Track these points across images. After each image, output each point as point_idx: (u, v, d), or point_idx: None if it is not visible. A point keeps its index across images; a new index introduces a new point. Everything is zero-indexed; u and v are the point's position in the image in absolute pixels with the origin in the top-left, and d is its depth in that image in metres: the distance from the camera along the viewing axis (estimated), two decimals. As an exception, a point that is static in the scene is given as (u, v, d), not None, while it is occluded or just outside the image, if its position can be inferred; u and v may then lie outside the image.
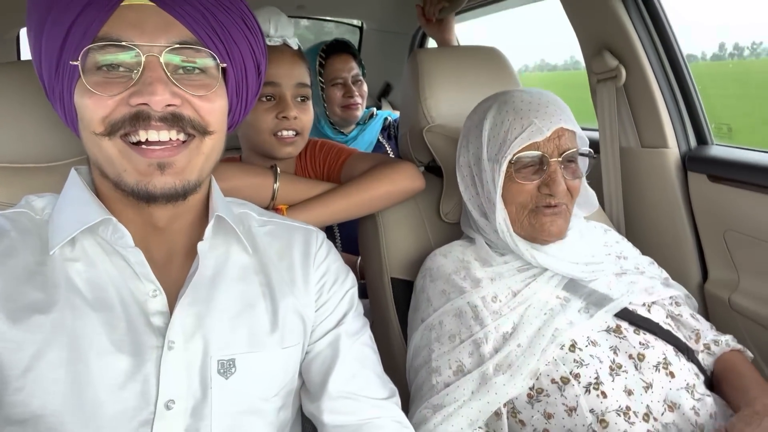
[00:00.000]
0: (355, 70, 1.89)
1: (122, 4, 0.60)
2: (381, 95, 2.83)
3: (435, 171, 1.30)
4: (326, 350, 0.76)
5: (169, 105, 0.61)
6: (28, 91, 0.88)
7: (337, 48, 1.86)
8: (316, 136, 1.41)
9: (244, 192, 0.97)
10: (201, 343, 0.67)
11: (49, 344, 0.60)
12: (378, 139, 1.97)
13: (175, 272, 0.70)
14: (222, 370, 0.67)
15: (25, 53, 2.15)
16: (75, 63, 0.60)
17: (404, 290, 1.16)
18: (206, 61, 0.64)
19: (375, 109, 2.05)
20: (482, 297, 0.95)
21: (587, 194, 1.10)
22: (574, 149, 0.97)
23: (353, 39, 2.63)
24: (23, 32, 2.10)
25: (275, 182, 1.06)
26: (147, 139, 0.61)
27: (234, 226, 0.73)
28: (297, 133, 1.14)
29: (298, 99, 1.14)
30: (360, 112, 1.89)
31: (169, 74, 0.61)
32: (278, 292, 0.74)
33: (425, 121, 1.24)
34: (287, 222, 0.83)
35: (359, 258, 1.42)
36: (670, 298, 1.03)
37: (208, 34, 0.64)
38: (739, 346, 1.02)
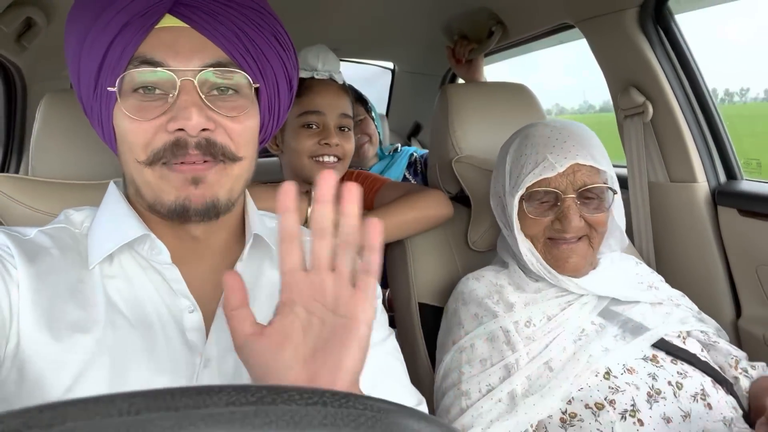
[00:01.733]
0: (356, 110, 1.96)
1: (157, 26, 0.60)
2: (411, 134, 2.90)
3: (463, 201, 1.33)
4: None
5: (203, 129, 0.60)
6: (79, 116, 0.95)
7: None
8: None
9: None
10: (233, 360, 0.65)
11: (91, 364, 0.59)
12: (404, 175, 2.01)
13: (211, 289, 0.69)
14: None
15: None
16: (112, 89, 0.60)
17: (432, 316, 1.18)
18: (240, 81, 0.64)
19: (399, 145, 2.10)
20: (515, 322, 0.96)
21: (615, 231, 1.06)
22: (592, 185, 0.95)
23: (386, 80, 2.73)
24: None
25: (309, 206, 1.11)
26: (182, 162, 0.62)
27: (272, 245, 0.72)
28: (338, 159, 1.20)
29: (341, 128, 1.21)
30: (371, 149, 1.95)
31: (203, 96, 0.61)
32: None
33: (454, 152, 1.28)
34: None
35: (387, 290, 1.44)
36: (702, 332, 1.02)
37: (241, 55, 0.64)
38: None
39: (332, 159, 1.19)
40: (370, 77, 2.71)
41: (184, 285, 0.66)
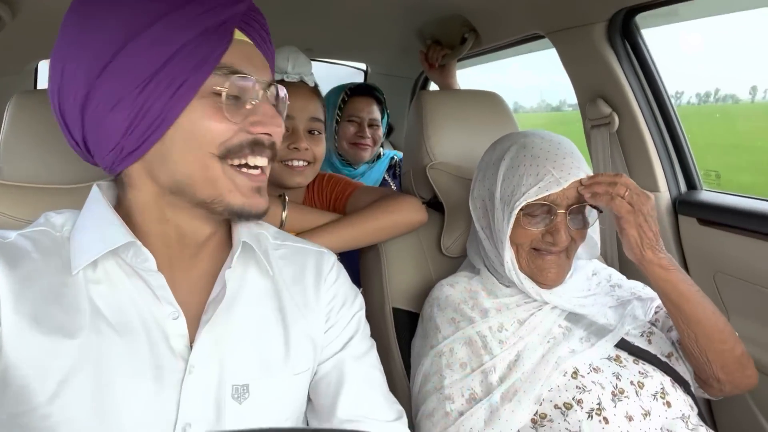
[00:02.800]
0: (375, 114, 1.94)
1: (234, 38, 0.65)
2: (384, 136, 2.90)
3: (436, 207, 1.35)
4: (333, 372, 0.77)
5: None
6: (52, 118, 0.93)
7: (362, 90, 1.95)
8: (328, 169, 1.45)
9: None
10: (218, 367, 0.66)
11: (76, 370, 0.59)
12: (384, 178, 2.03)
13: (195, 295, 0.70)
14: (236, 395, 0.67)
15: (42, 83, 2.23)
16: (220, 89, 0.62)
17: (405, 320, 1.19)
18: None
19: (383, 150, 2.11)
20: (489, 327, 0.99)
21: (591, 241, 1.10)
22: (583, 203, 0.98)
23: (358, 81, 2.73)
24: (41, 64, 2.18)
25: (283, 210, 1.11)
26: (249, 164, 0.66)
27: (259, 253, 0.74)
28: (308, 163, 1.18)
29: (311, 132, 1.20)
30: (369, 154, 1.95)
31: None
32: (290, 317, 0.75)
33: (428, 159, 1.30)
34: (300, 245, 0.84)
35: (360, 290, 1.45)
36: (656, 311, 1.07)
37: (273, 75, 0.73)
38: None
39: (302, 163, 1.18)
40: (343, 78, 2.71)
41: (168, 291, 0.66)
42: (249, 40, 0.67)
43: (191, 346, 0.66)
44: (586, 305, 1.03)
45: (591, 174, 0.98)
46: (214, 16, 0.62)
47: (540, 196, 0.96)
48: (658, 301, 1.08)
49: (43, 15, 1.44)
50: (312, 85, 1.22)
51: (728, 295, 1.33)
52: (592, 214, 1.03)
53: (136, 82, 0.60)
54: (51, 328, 0.60)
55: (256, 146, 0.66)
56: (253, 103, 0.65)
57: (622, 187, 0.92)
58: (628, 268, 1.52)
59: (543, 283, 1.01)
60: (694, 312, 0.92)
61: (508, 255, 1.02)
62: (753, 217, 1.24)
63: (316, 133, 1.21)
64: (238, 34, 0.65)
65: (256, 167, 0.67)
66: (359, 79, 2.84)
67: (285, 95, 0.72)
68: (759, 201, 1.28)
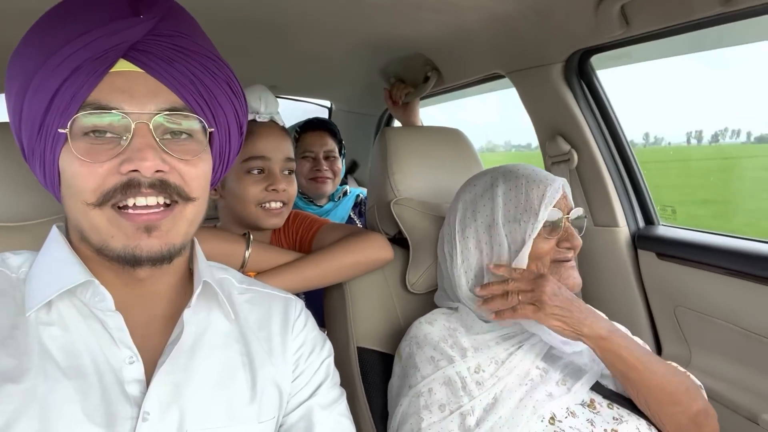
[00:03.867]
0: (330, 146, 1.96)
1: (111, 70, 0.60)
2: (348, 172, 2.91)
3: (400, 243, 1.33)
4: (300, 423, 0.74)
5: (158, 171, 0.61)
6: (2, 153, 0.89)
7: (313, 125, 1.96)
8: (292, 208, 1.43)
9: (215, 258, 0.98)
10: (177, 414, 0.63)
11: (20, 415, 0.56)
12: (350, 216, 2.02)
13: (154, 338, 0.67)
14: None
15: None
16: (63, 131, 0.59)
17: (371, 360, 1.16)
18: (193, 125, 0.65)
19: (348, 186, 2.11)
20: (468, 367, 0.97)
21: None
22: (576, 209, 1.06)
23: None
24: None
25: (247, 249, 1.08)
26: (135, 204, 0.61)
27: (221, 293, 0.71)
28: (283, 204, 1.18)
29: (285, 172, 1.19)
30: (330, 187, 1.94)
31: (157, 139, 0.61)
32: (257, 362, 0.72)
33: (392, 194, 1.29)
34: (266, 290, 0.82)
35: (325, 331, 1.41)
36: None
37: (195, 100, 0.65)
38: None
39: (278, 205, 1.16)
40: (307, 114, 2.71)
41: (126, 334, 0.64)
42: (137, 69, 0.62)
43: (147, 393, 0.62)
44: (564, 345, 1.01)
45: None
46: (86, 52, 0.59)
47: (555, 202, 1.01)
48: None
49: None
50: (282, 124, 1.22)
51: (689, 328, 1.35)
52: (579, 223, 1.08)
53: (34, 131, 0.61)
54: None
55: (128, 189, 0.60)
56: (125, 139, 0.60)
57: (513, 296, 0.96)
58: (590, 302, 1.53)
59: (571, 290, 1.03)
60: (640, 379, 0.92)
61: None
62: (710, 252, 1.27)
63: (288, 173, 1.20)
64: (124, 65, 0.61)
65: (146, 206, 0.62)
66: (324, 115, 2.85)
67: (195, 122, 0.65)
68: (715, 236, 1.32)
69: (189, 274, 0.75)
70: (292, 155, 1.21)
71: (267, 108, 1.17)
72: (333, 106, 2.81)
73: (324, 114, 2.85)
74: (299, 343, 0.78)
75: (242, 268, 1.06)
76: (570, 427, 0.89)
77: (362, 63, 1.92)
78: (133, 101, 0.60)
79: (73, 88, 0.59)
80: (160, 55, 0.62)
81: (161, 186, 0.62)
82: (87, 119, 0.60)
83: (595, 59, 1.41)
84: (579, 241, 1.03)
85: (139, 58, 0.61)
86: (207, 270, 0.74)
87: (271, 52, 1.79)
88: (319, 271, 1.11)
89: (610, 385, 0.99)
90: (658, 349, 1.44)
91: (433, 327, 1.06)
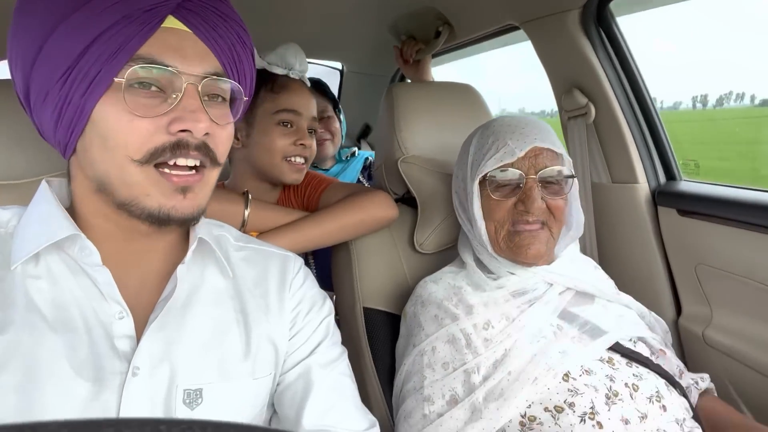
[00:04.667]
0: (324, 107, 1.93)
1: (162, 25, 0.59)
2: (360, 136, 2.87)
3: (409, 202, 1.30)
4: (299, 381, 0.73)
5: (206, 133, 0.62)
6: None
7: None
8: None
9: (213, 217, 0.96)
10: (168, 370, 0.63)
11: (2, 366, 0.55)
12: (359, 178, 1.99)
13: (146, 294, 0.67)
14: (188, 401, 0.63)
15: None
16: (120, 80, 0.58)
17: (378, 320, 1.14)
18: (228, 92, 0.66)
19: (356, 149, 2.08)
20: (474, 324, 0.94)
21: (577, 217, 1.06)
22: (552, 167, 0.96)
23: (334, 81, 2.69)
24: None
25: (246, 208, 1.05)
26: (176, 163, 0.61)
27: (216, 250, 0.71)
28: (305, 160, 1.20)
29: (309, 131, 1.20)
30: (330, 149, 1.92)
31: (203, 102, 0.62)
32: (252, 319, 0.71)
33: (400, 153, 1.25)
34: (264, 247, 0.81)
35: (333, 295, 1.40)
36: (653, 338, 1.03)
37: (231, 67, 0.66)
38: (712, 386, 1.05)
39: (302, 160, 1.19)
40: (318, 76, 2.67)
41: (115, 289, 0.63)
42: (186, 28, 0.61)
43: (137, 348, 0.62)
44: (589, 286, 0.99)
45: (560, 146, 0.99)
46: (139, 2, 0.58)
47: (496, 166, 0.96)
48: (649, 334, 1.03)
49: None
50: (309, 85, 1.23)
51: (710, 286, 1.30)
52: (568, 183, 1.00)
53: (59, 73, 0.58)
54: None
55: (177, 149, 0.60)
56: (174, 97, 0.60)
57: None
58: (607, 262, 1.49)
59: (524, 261, 0.98)
60: None
61: (483, 232, 0.99)
62: (734, 206, 1.20)
63: (312, 131, 1.22)
64: (173, 21, 0.60)
65: (186, 167, 0.62)
66: (335, 79, 2.80)
67: (229, 88, 0.66)
68: (739, 189, 1.25)
69: (186, 230, 0.74)
70: (316, 115, 1.23)
71: (300, 66, 1.20)
72: (344, 68, 2.75)
73: (335, 76, 2.80)
74: (297, 301, 0.77)
75: (242, 227, 1.04)
76: (585, 384, 0.86)
77: (372, 19, 1.86)
78: (186, 61, 0.60)
79: (121, 37, 0.57)
80: (205, 18, 0.62)
81: (205, 149, 0.63)
82: (137, 72, 0.58)
83: (614, 5, 1.33)
84: (537, 203, 0.95)
85: (188, 17, 0.61)
86: (204, 226, 0.73)
87: (281, 14, 1.74)
88: (322, 230, 1.08)
89: (627, 344, 0.95)
90: (678, 309, 1.39)
91: (437, 286, 1.04)
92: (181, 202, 0.62)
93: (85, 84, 0.58)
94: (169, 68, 0.59)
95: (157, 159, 0.60)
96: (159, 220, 0.62)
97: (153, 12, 0.58)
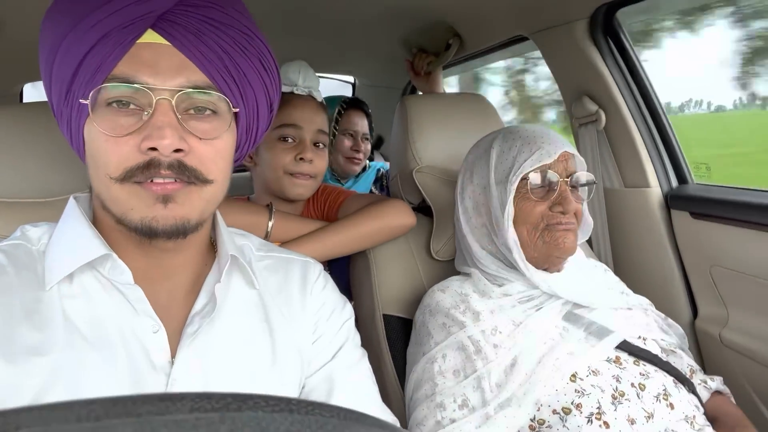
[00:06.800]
0: (366, 128, 2.00)
1: (137, 41, 0.59)
2: (374, 147, 2.90)
3: (425, 211, 1.33)
4: (322, 384, 0.74)
5: (177, 150, 0.59)
6: (30, 131, 0.92)
7: (356, 104, 2.00)
8: None
9: (239, 228, 0.99)
10: (202, 381, 0.64)
11: (49, 388, 0.56)
12: (371, 190, 2.03)
13: (176, 308, 0.68)
14: None
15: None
16: (85, 102, 0.59)
17: (397, 327, 1.17)
18: (218, 104, 0.64)
19: (368, 162, 2.12)
20: (482, 330, 0.95)
21: (587, 221, 1.12)
22: (582, 173, 1.03)
23: (347, 94, 2.74)
24: (26, 87, 2.17)
25: (270, 219, 1.09)
26: (152, 180, 0.60)
27: (246, 265, 0.71)
28: (311, 177, 1.19)
29: (316, 144, 1.20)
30: (358, 168, 1.98)
31: (179, 116, 0.60)
32: (277, 327, 0.72)
33: (414, 163, 1.28)
34: (284, 255, 0.82)
35: (351, 302, 1.42)
36: (663, 340, 1.04)
37: (222, 78, 0.63)
38: (726, 389, 1.05)
39: (305, 175, 1.18)
40: (331, 91, 2.71)
41: (147, 305, 0.64)
42: (165, 41, 0.60)
43: (172, 361, 0.63)
44: (588, 298, 1.00)
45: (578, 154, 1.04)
46: (116, 19, 0.57)
47: (535, 167, 0.99)
48: (661, 335, 1.05)
49: (26, 38, 1.44)
50: (320, 100, 1.24)
51: (725, 288, 1.31)
52: (584, 190, 1.05)
53: (63, 94, 0.61)
54: (23, 346, 0.57)
55: (147, 169, 0.59)
56: (146, 114, 0.59)
57: None
58: (622, 266, 1.50)
59: (560, 256, 1.01)
60: None
61: (511, 236, 1.01)
62: (747, 208, 1.22)
63: (321, 146, 1.21)
64: (152, 36, 0.60)
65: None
66: (347, 91, 2.84)
67: (216, 99, 0.63)
68: (752, 191, 1.26)
69: (210, 242, 0.75)
70: (326, 129, 1.23)
71: (305, 82, 1.20)
72: (356, 82, 2.79)
73: (348, 90, 2.84)
74: (318, 305, 0.78)
75: (266, 238, 1.08)
76: (591, 385, 0.87)
77: (383, 34, 1.90)
78: (158, 76, 0.59)
79: (99, 58, 0.58)
80: (189, 28, 0.61)
81: (179, 168, 0.60)
82: (109, 90, 0.59)
83: (621, 14, 1.36)
84: (573, 206, 0.99)
85: (166, 29, 0.60)
86: (229, 240, 0.73)
87: (292, 28, 1.78)
88: (342, 239, 1.11)
89: (635, 342, 0.97)
90: (695, 311, 1.40)
91: (445, 294, 1.05)
92: (162, 211, 0.60)
93: (76, 107, 0.60)
94: (136, 85, 0.58)
95: (132, 179, 0.59)
96: (144, 233, 0.61)
97: (129, 29, 0.58)
